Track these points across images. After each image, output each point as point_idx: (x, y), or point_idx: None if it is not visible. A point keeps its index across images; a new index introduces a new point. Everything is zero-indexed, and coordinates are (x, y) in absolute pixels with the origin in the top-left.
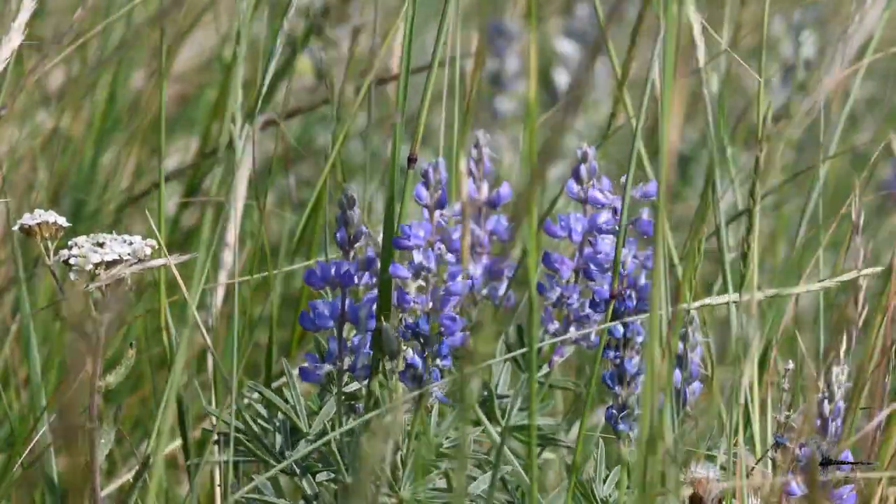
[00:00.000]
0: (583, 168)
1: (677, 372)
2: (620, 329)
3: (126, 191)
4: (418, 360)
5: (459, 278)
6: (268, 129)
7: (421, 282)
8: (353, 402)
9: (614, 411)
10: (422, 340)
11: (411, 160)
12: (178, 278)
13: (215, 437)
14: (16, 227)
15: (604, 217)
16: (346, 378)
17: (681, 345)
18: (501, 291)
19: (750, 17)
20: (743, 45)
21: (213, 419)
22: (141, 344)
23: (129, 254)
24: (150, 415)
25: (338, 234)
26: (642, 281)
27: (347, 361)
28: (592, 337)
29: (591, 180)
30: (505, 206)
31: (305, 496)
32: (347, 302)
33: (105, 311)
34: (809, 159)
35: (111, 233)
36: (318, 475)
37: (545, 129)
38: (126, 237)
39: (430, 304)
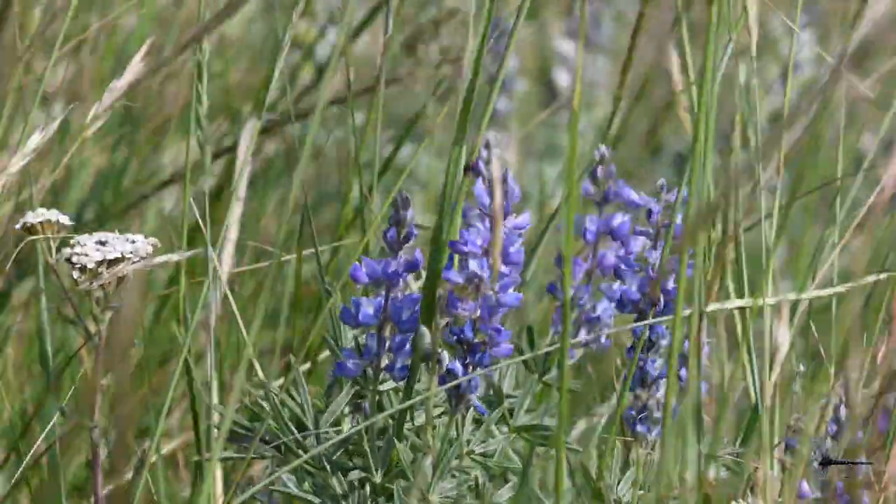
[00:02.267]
0: (600, 169)
1: (684, 372)
2: (641, 330)
3: (128, 191)
4: (458, 367)
5: (511, 290)
6: (270, 130)
7: (472, 289)
8: (359, 402)
9: (633, 412)
10: (465, 347)
11: (468, 169)
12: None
13: (217, 433)
14: (18, 226)
15: (619, 219)
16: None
17: (687, 345)
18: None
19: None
20: (742, 44)
21: (217, 417)
22: (142, 344)
23: (131, 252)
24: (152, 414)
25: (388, 233)
26: (670, 284)
27: (386, 361)
28: (603, 339)
29: (608, 182)
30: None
31: (334, 495)
32: (390, 301)
33: (111, 310)
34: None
35: (114, 231)
36: (350, 473)
37: (545, 127)
38: (129, 235)
39: (478, 313)
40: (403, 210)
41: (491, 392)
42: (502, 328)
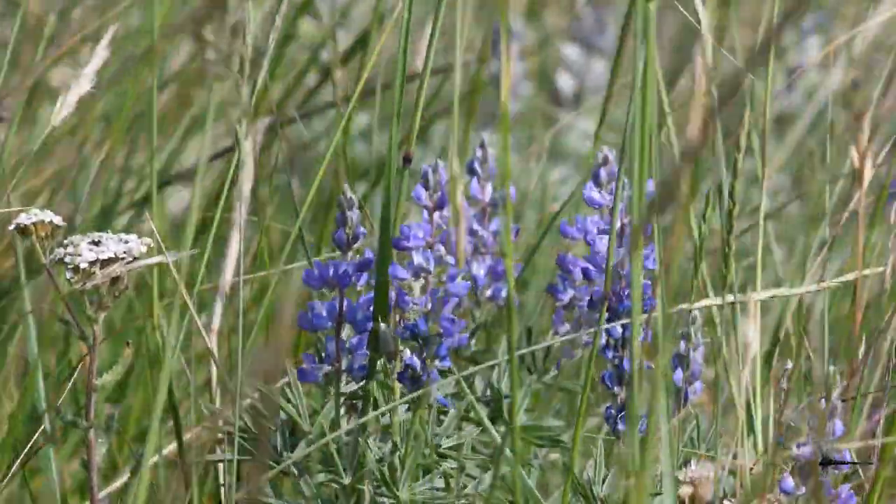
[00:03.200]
0: (603, 172)
1: (679, 371)
2: (619, 329)
3: (130, 192)
4: (416, 361)
5: (459, 279)
6: (269, 131)
7: (420, 282)
8: (354, 403)
9: (613, 411)
10: (420, 342)
11: (406, 159)
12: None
13: (218, 436)
14: (12, 227)
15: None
16: (344, 379)
17: (683, 344)
18: (504, 293)
19: (754, 19)
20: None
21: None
22: (140, 344)
23: (124, 252)
24: (150, 415)
25: (336, 235)
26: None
27: (345, 362)
28: (584, 338)
29: (609, 184)
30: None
31: (304, 497)
32: (346, 302)
33: (100, 310)
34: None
35: (110, 232)
36: (316, 476)
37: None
38: (122, 235)
39: (429, 306)
40: (349, 210)
41: (488, 392)
42: (455, 318)
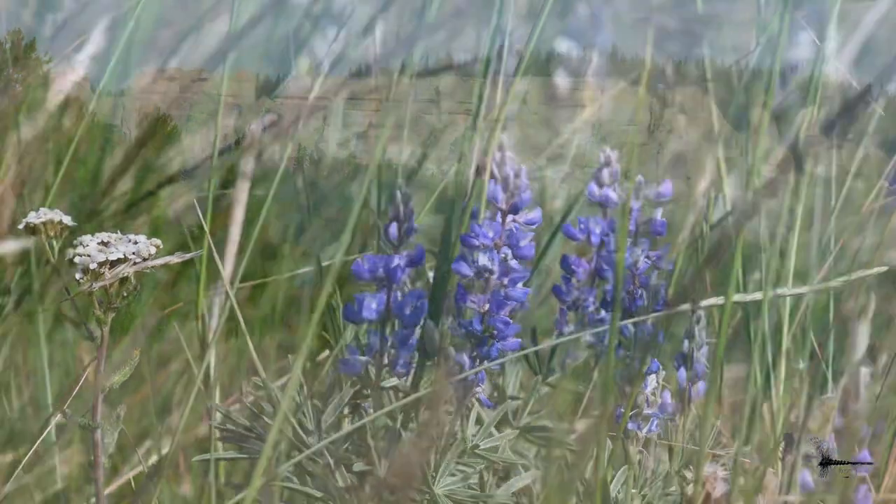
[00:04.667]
0: (605, 172)
1: (682, 371)
2: (630, 328)
3: (130, 192)
4: (466, 360)
5: (520, 285)
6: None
7: (481, 282)
8: (357, 402)
9: (623, 410)
10: (473, 341)
11: (481, 169)
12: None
13: (220, 434)
14: (21, 226)
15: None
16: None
17: (686, 343)
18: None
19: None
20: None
21: (217, 416)
22: (142, 345)
23: (133, 253)
24: (151, 415)
25: (389, 229)
26: (654, 280)
27: (388, 357)
28: (587, 337)
29: (613, 184)
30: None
31: (337, 489)
32: (393, 297)
33: (113, 311)
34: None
35: (116, 232)
36: (353, 467)
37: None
38: (131, 236)
39: (487, 306)
40: (403, 206)
41: (496, 393)
42: (510, 321)
